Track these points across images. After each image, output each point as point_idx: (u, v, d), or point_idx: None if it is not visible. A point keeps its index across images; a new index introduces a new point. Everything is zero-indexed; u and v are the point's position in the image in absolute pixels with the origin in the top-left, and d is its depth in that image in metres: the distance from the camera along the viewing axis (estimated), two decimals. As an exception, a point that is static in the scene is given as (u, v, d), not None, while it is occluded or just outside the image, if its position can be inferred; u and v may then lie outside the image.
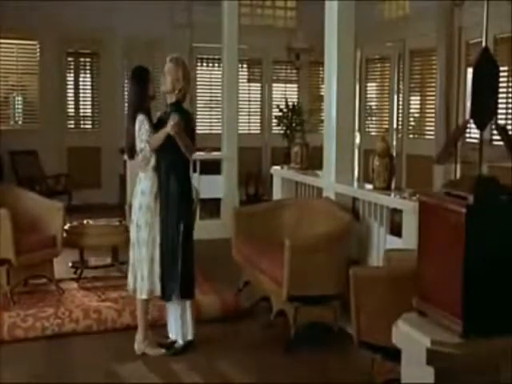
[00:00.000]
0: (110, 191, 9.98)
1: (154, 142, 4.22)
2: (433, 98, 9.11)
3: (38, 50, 10.20)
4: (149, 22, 9.94)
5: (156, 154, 4.31)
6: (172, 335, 4.47)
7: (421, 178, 8.57)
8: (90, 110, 10.84)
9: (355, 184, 5.48)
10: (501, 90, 7.01)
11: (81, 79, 10.75)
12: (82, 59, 10.71)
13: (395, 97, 9.92)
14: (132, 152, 4.40)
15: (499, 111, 6.85)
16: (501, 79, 2.48)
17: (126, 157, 4.56)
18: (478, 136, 2.31)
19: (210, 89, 10.99)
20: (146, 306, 4.43)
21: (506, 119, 7.59)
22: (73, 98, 10.65)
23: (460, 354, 2.07)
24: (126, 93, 10.67)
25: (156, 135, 4.24)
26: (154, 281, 4.31)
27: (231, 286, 5.46)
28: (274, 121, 11.02)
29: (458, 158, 7.60)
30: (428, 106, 9.44)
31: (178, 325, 4.41)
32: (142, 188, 4.35)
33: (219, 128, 8.94)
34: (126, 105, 4.71)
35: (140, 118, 4.28)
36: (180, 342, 4.41)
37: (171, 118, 4.12)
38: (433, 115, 9.08)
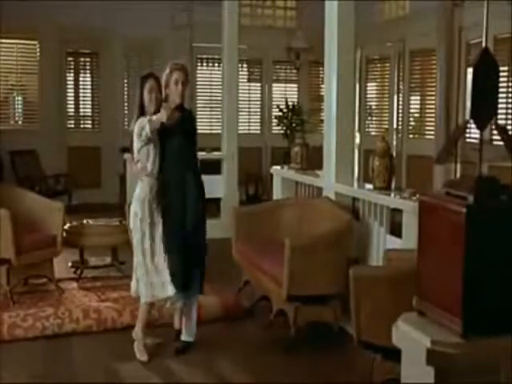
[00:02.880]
0: (110, 191, 9.98)
1: (154, 122, 4.11)
2: (433, 98, 9.10)
3: (38, 49, 10.21)
4: (149, 22, 9.95)
5: (170, 155, 4.22)
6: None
7: (421, 178, 8.56)
8: (89, 110, 10.86)
9: (355, 184, 5.47)
10: (501, 90, 7.00)
11: (81, 79, 10.77)
12: (81, 59, 10.73)
13: (395, 97, 9.92)
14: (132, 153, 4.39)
15: (499, 111, 6.86)
16: (501, 79, 2.48)
17: (125, 156, 4.54)
18: (478, 136, 2.31)
19: (210, 89, 10.99)
20: (147, 310, 4.39)
21: (506, 119, 7.59)
22: (73, 98, 10.67)
23: (460, 354, 2.07)
24: (126, 93, 10.71)
25: (156, 116, 4.14)
26: (153, 285, 4.26)
27: (231, 286, 5.46)
28: (274, 121, 11.02)
29: (458, 157, 7.61)
30: (428, 106, 9.44)
31: (184, 323, 4.44)
32: (135, 194, 4.32)
33: (219, 128, 8.94)
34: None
35: (140, 120, 4.20)
36: (187, 340, 4.43)
37: (164, 107, 4.10)
38: (433, 115, 9.08)
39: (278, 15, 11.65)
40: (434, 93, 9.04)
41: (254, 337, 4.82)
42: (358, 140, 10.09)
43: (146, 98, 4.24)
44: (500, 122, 6.74)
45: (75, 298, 5.42)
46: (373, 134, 10.53)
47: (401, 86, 9.80)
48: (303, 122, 10.51)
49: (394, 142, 9.69)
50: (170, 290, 4.24)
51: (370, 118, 10.93)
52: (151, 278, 4.26)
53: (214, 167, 8.28)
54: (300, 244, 4.47)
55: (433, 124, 9.05)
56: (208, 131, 10.72)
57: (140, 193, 4.26)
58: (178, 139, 4.20)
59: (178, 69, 4.24)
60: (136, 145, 4.22)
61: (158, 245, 4.26)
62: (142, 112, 4.24)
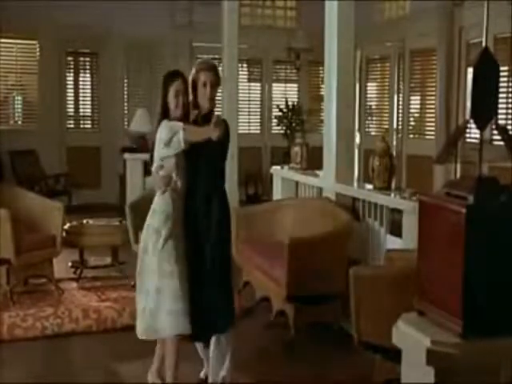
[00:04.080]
0: (110, 191, 9.98)
1: (194, 136, 3.50)
2: (433, 98, 9.11)
3: (38, 49, 10.20)
4: (149, 21, 9.94)
5: (196, 171, 3.61)
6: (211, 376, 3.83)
7: (421, 178, 8.56)
8: (89, 110, 10.85)
9: (355, 184, 5.47)
10: (501, 89, 7.00)
11: (80, 79, 10.76)
12: (81, 59, 10.72)
13: (395, 97, 9.91)
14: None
15: (499, 111, 6.86)
16: (501, 79, 2.48)
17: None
18: (478, 136, 2.30)
19: (210, 88, 10.95)
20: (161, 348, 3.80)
21: (506, 119, 7.59)
22: (72, 98, 10.66)
23: (460, 354, 2.07)
24: (125, 93, 10.70)
25: (198, 129, 3.56)
26: (156, 318, 3.60)
27: (231, 286, 5.45)
28: (274, 121, 11.02)
29: (458, 158, 7.61)
30: (428, 106, 9.44)
31: (220, 361, 3.77)
32: (154, 207, 3.66)
33: (219, 128, 8.92)
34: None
35: (167, 123, 3.57)
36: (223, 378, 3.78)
37: (216, 123, 3.40)
38: (433, 115, 9.08)
39: (277, 15, 11.65)
40: (434, 93, 9.04)
41: (254, 337, 4.81)
42: (357, 140, 10.09)
43: (171, 103, 3.60)
44: (500, 122, 6.74)
45: (75, 297, 5.42)
46: (373, 133, 10.52)
47: (401, 86, 9.79)
48: (303, 121, 10.51)
49: (394, 142, 9.69)
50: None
51: (369, 117, 10.93)
52: (157, 309, 3.60)
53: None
54: (300, 244, 4.46)
55: (433, 124, 9.06)
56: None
57: (163, 207, 3.60)
58: (209, 154, 3.58)
59: (205, 69, 3.64)
60: (161, 152, 3.57)
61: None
62: (166, 115, 3.62)
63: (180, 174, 3.59)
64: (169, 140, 3.50)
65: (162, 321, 3.58)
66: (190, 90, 3.65)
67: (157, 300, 3.58)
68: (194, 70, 3.68)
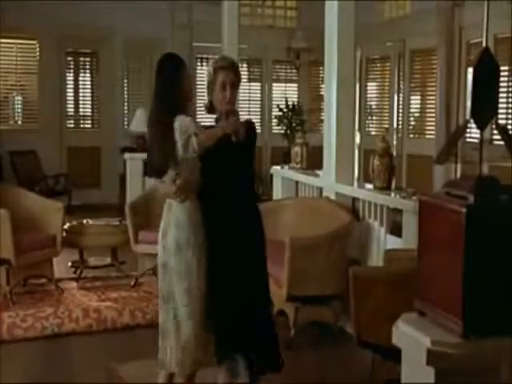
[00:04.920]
0: (109, 191, 9.98)
1: (209, 138, 3.08)
2: (433, 97, 9.10)
3: (38, 49, 10.21)
4: (149, 21, 9.95)
5: (220, 186, 3.21)
6: None
7: (421, 178, 8.56)
8: (89, 110, 10.86)
9: (355, 184, 5.47)
10: (501, 89, 7.01)
11: (80, 79, 10.77)
12: (81, 59, 10.73)
13: (395, 96, 9.92)
14: (164, 168, 3.13)
15: (499, 111, 6.85)
16: (501, 79, 2.48)
17: (157, 180, 3.24)
18: (478, 136, 2.30)
19: (210, 89, 10.96)
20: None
21: (507, 119, 7.59)
22: (72, 98, 10.66)
23: (460, 354, 2.06)
24: (125, 93, 10.70)
25: (209, 131, 3.15)
26: (190, 351, 3.16)
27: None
28: (274, 120, 11.01)
29: (458, 157, 7.60)
30: (428, 106, 9.44)
31: None
32: (177, 219, 3.16)
33: (219, 128, 8.92)
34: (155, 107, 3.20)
35: (180, 119, 3.06)
36: None
37: (230, 120, 3.14)
38: (433, 115, 9.08)
39: (277, 15, 11.65)
40: (434, 92, 9.03)
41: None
42: (358, 140, 10.08)
43: (187, 93, 3.16)
44: (500, 121, 6.73)
45: (75, 297, 5.42)
46: (373, 133, 10.52)
47: (401, 86, 9.80)
48: (303, 121, 10.50)
49: (394, 142, 9.69)
50: None
51: (370, 117, 10.93)
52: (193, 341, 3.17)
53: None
54: (300, 244, 4.46)
55: (433, 124, 9.05)
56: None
57: (189, 216, 3.13)
58: (236, 162, 3.26)
59: (224, 67, 3.15)
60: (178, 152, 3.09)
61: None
62: (181, 109, 3.10)
63: (197, 177, 3.17)
64: (185, 142, 3.04)
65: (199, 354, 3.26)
66: (206, 91, 3.26)
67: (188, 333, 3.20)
68: (210, 69, 3.20)
